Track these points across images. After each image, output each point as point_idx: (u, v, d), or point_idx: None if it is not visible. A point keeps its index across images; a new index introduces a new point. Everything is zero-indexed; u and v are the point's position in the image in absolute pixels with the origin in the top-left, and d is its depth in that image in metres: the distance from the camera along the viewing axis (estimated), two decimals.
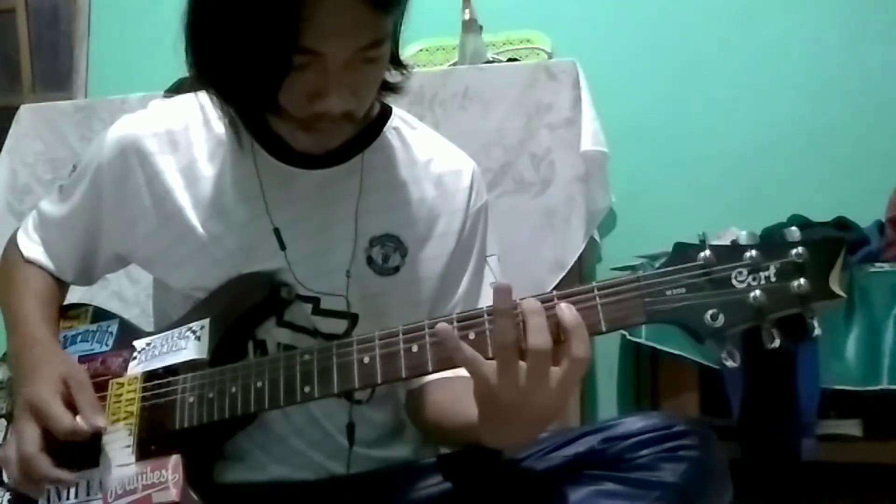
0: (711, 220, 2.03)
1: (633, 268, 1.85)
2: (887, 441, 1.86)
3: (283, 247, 1.01)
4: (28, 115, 2.06)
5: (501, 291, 0.78)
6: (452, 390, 0.95)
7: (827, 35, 2.27)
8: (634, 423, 0.90)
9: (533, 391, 0.77)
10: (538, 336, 0.77)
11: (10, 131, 2.05)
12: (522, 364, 0.77)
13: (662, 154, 2.30)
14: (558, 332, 0.78)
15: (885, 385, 1.69)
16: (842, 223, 1.93)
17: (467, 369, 0.79)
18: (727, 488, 0.90)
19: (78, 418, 0.93)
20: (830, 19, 2.27)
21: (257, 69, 0.87)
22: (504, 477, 0.94)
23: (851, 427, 1.89)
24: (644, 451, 0.87)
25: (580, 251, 1.74)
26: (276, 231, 1.01)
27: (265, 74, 0.87)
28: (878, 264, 1.81)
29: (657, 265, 0.81)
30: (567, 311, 0.78)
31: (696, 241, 0.79)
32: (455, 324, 0.84)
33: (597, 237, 1.91)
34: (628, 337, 1.93)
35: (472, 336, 0.83)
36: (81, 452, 0.95)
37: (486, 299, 1.07)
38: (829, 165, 2.22)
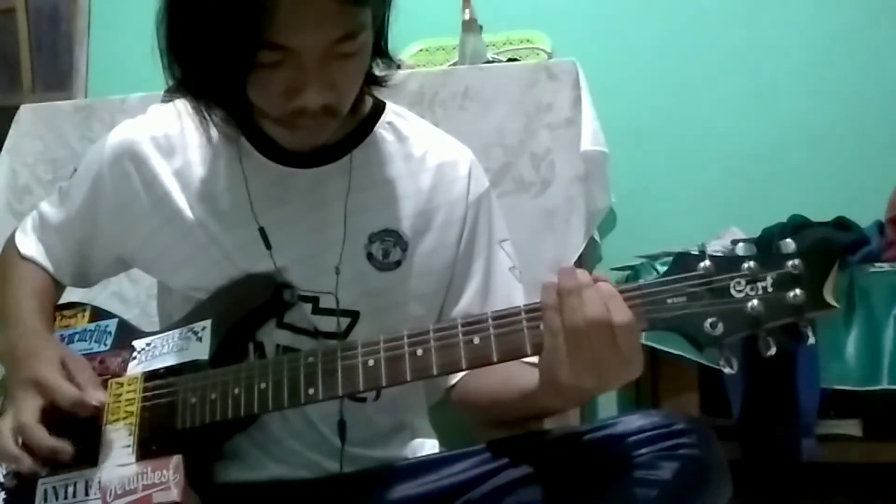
0: (711, 220, 2.05)
1: (632, 268, 1.85)
2: (887, 441, 1.85)
3: (268, 246, 1.01)
4: (28, 115, 2.06)
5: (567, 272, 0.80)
6: (495, 370, 0.93)
7: (827, 35, 2.27)
8: (634, 421, 0.90)
9: (601, 360, 0.78)
10: (595, 307, 0.78)
11: (10, 131, 2.05)
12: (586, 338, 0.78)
13: (662, 154, 2.30)
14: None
15: (885, 385, 1.69)
16: (842, 223, 1.92)
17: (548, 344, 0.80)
18: (726, 487, 0.90)
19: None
20: (830, 20, 2.27)
21: (224, 66, 0.87)
22: (502, 475, 0.94)
23: (851, 427, 1.89)
24: (643, 450, 0.87)
25: (580, 251, 1.74)
26: (262, 230, 1.01)
27: (232, 71, 0.87)
28: (878, 264, 1.81)
29: (657, 265, 0.82)
30: (604, 286, 0.80)
31: (696, 251, 0.81)
32: (460, 328, 0.85)
33: (597, 237, 1.91)
34: None
35: (476, 341, 0.84)
36: (81, 450, 0.95)
37: (502, 286, 1.08)
38: (829, 165, 2.22)
